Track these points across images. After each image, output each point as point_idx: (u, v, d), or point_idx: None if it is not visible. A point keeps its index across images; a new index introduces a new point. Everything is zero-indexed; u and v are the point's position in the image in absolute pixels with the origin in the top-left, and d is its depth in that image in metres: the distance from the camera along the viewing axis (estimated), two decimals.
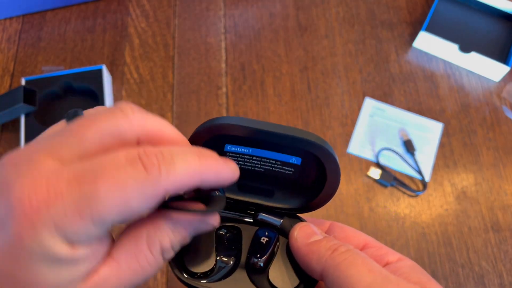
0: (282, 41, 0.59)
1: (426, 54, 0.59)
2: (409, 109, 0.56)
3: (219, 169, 0.19)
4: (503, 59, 0.58)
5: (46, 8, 0.60)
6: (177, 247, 0.19)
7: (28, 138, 0.50)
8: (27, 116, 0.51)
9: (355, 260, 0.19)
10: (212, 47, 0.59)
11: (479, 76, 0.58)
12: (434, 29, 0.59)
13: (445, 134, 0.54)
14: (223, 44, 0.59)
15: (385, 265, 0.21)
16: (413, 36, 0.60)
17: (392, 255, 0.22)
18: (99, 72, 0.54)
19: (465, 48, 0.56)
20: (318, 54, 0.59)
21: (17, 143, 0.52)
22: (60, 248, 0.15)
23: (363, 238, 0.23)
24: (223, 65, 0.58)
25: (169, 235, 0.18)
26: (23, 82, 0.53)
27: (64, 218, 0.15)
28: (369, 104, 0.56)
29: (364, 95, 0.56)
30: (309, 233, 0.22)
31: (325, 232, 0.23)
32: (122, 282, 0.17)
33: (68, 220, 0.15)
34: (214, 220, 0.20)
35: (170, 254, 0.19)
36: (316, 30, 0.60)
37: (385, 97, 0.56)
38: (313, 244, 0.21)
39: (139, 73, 0.57)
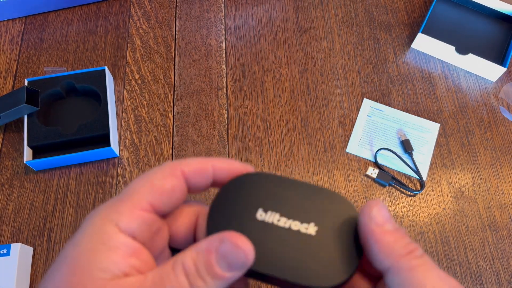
0: (281, 42, 0.60)
1: (424, 55, 0.60)
2: (407, 109, 0.56)
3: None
4: (500, 60, 0.58)
5: (49, 10, 0.61)
6: (206, 273, 0.19)
7: (31, 139, 0.51)
8: (29, 116, 0.52)
9: (430, 268, 0.19)
10: (213, 49, 0.60)
11: (476, 77, 0.59)
12: (432, 31, 0.60)
13: (443, 134, 0.55)
14: (223, 46, 0.60)
15: None
16: (411, 37, 0.61)
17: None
18: (101, 73, 0.54)
19: (461, 50, 0.57)
20: (317, 55, 0.59)
21: (19, 144, 0.53)
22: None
23: None
24: (224, 66, 0.58)
25: (192, 256, 0.19)
26: (25, 83, 0.54)
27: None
28: (368, 105, 0.56)
29: (363, 96, 0.57)
30: (386, 218, 0.21)
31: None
32: None
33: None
34: (246, 249, 0.19)
35: (199, 281, 0.19)
36: (315, 31, 0.61)
37: (383, 98, 0.57)
38: (389, 234, 0.20)
39: (141, 74, 0.58)
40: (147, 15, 0.62)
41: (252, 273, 0.21)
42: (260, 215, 0.21)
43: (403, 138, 0.54)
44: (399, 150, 0.54)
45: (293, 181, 0.22)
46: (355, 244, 0.21)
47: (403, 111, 0.56)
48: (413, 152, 0.53)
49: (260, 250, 0.20)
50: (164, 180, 0.21)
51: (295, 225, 0.21)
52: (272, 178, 0.22)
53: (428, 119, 0.56)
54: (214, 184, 0.23)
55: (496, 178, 0.53)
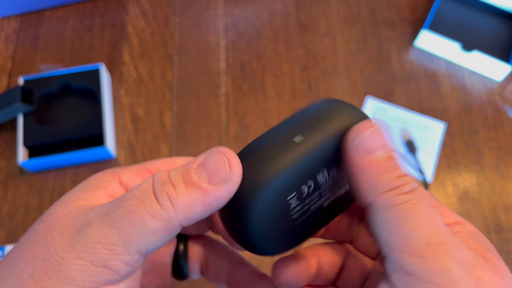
0: (282, 40, 0.59)
1: (428, 53, 0.58)
2: (410, 108, 0.55)
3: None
4: (506, 59, 0.57)
5: (44, 7, 0.60)
6: (179, 179, 0.16)
7: (26, 138, 0.50)
8: (25, 115, 0.51)
9: (418, 208, 0.16)
10: (212, 46, 0.58)
11: (481, 76, 0.57)
12: (436, 28, 0.58)
13: (447, 134, 0.54)
14: (222, 43, 0.59)
15: None
16: (414, 35, 0.59)
17: (450, 216, 0.18)
18: (97, 72, 0.53)
19: (467, 47, 0.56)
20: (318, 53, 0.58)
21: (14, 143, 0.52)
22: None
23: (397, 247, 0.19)
24: (223, 64, 0.57)
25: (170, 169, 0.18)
26: (21, 81, 0.53)
27: None
28: (370, 104, 0.55)
29: (365, 94, 0.56)
30: (376, 144, 0.17)
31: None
32: None
33: None
34: (233, 162, 0.17)
35: (168, 186, 0.16)
36: (316, 29, 0.60)
37: (386, 96, 0.56)
38: (375, 166, 0.17)
39: (138, 72, 0.57)
40: (144, 12, 0.60)
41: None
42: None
43: (407, 138, 0.53)
44: (402, 150, 0.53)
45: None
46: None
47: (406, 110, 0.55)
48: (417, 152, 0.52)
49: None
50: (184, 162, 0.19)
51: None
52: None
53: (432, 119, 0.55)
54: None
55: (501, 179, 0.52)
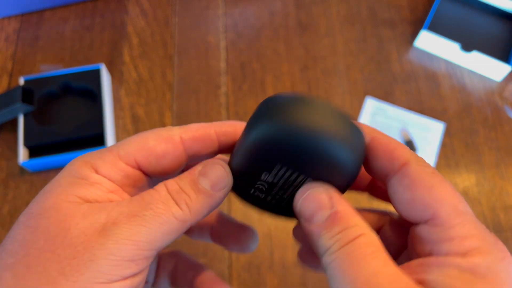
0: (282, 40, 0.59)
1: (428, 53, 0.59)
2: (410, 108, 0.55)
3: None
4: (505, 59, 0.57)
5: (45, 7, 0.60)
6: (190, 189, 0.19)
7: (26, 138, 0.50)
8: (25, 116, 0.51)
9: (339, 268, 0.16)
10: (212, 46, 0.59)
11: (481, 76, 0.57)
12: (436, 28, 0.58)
13: (447, 134, 0.54)
14: (222, 43, 0.59)
15: (446, 255, 0.16)
16: (414, 35, 0.59)
17: (459, 245, 0.16)
18: (97, 72, 0.53)
19: (466, 47, 0.56)
20: (318, 53, 0.58)
21: (15, 143, 0.52)
22: None
23: (435, 206, 0.17)
24: (223, 64, 0.57)
25: (175, 179, 0.20)
26: (21, 81, 0.53)
27: None
28: (370, 104, 0.55)
29: (365, 94, 0.56)
30: (312, 209, 0.18)
31: (393, 176, 0.19)
32: None
33: None
34: (223, 172, 0.20)
35: (183, 195, 0.19)
36: (316, 29, 0.60)
37: (386, 96, 0.56)
38: (313, 233, 0.18)
39: (138, 72, 0.57)
40: (144, 12, 0.60)
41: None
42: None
43: (406, 138, 0.53)
44: None
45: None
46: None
47: (406, 110, 0.55)
48: (417, 152, 0.52)
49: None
50: (157, 143, 0.20)
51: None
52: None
53: (431, 119, 0.55)
54: (221, 150, 0.22)
55: (501, 179, 0.52)
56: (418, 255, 0.18)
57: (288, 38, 0.59)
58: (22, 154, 0.49)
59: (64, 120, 0.53)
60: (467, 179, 0.52)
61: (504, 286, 0.15)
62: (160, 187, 0.19)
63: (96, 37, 0.58)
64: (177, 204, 0.18)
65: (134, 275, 0.17)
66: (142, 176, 0.20)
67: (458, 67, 0.58)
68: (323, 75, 0.57)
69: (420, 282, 0.16)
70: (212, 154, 0.22)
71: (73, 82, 0.53)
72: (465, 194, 0.51)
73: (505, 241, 0.49)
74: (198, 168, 0.20)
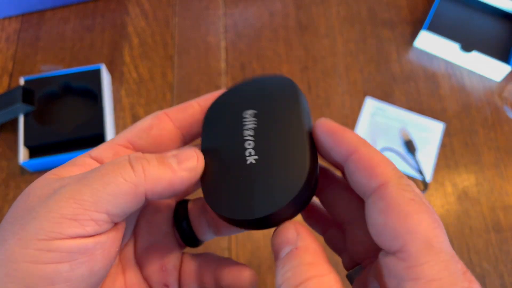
0: (282, 40, 0.59)
1: (427, 53, 0.59)
2: (410, 109, 0.55)
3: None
4: (505, 59, 0.57)
5: (45, 7, 0.60)
6: (154, 158, 0.19)
7: (27, 138, 0.50)
8: (25, 116, 0.51)
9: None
10: (212, 47, 0.59)
11: (481, 76, 0.58)
12: (435, 29, 0.59)
13: (446, 134, 0.54)
14: (222, 44, 0.59)
15: None
16: (414, 35, 0.60)
17: (428, 285, 0.15)
18: (98, 72, 0.53)
19: (466, 47, 0.56)
20: (318, 53, 0.58)
21: (15, 143, 0.52)
22: None
23: (404, 238, 0.16)
24: (223, 65, 0.58)
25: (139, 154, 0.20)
26: (22, 81, 0.53)
27: None
28: (370, 104, 0.55)
29: (365, 94, 0.56)
30: (279, 244, 0.18)
31: (370, 195, 0.18)
32: None
33: None
34: (198, 156, 0.21)
35: (144, 162, 0.19)
36: (316, 29, 0.60)
37: (386, 96, 0.56)
38: (278, 267, 0.17)
39: (138, 73, 0.57)
40: (144, 12, 0.61)
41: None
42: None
43: (406, 138, 0.53)
44: (402, 150, 0.53)
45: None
46: (309, 145, 0.19)
47: (406, 110, 0.55)
48: (416, 152, 0.52)
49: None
50: (144, 120, 0.22)
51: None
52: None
53: (431, 119, 0.55)
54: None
55: (500, 179, 0.52)
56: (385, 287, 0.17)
57: (288, 38, 0.59)
58: (23, 154, 0.50)
59: (64, 120, 0.53)
60: (466, 179, 0.52)
61: None
62: (123, 156, 0.19)
63: (96, 38, 0.59)
64: (131, 167, 0.18)
65: (82, 236, 0.17)
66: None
67: (458, 67, 0.58)
68: (323, 76, 0.57)
69: None
70: (200, 125, 0.22)
71: (74, 82, 0.53)
72: (465, 194, 0.51)
73: (505, 241, 0.49)
74: (173, 152, 0.20)
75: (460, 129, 0.55)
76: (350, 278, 0.22)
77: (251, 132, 0.20)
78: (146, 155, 0.19)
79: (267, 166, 0.19)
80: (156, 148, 0.21)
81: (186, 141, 0.23)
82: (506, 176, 0.52)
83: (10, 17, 0.60)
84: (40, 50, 0.58)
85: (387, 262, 0.16)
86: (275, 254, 0.18)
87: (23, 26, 0.59)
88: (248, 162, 0.19)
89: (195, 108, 0.23)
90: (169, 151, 0.20)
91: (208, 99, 0.23)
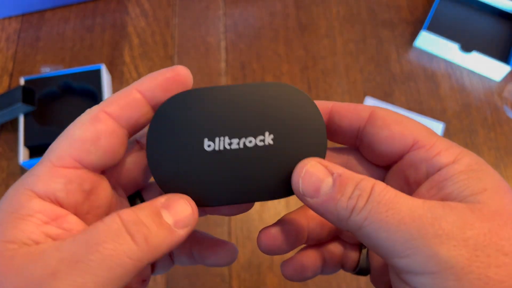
0: (282, 40, 0.59)
1: (427, 53, 0.59)
2: (410, 108, 0.55)
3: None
4: (505, 59, 0.57)
5: (45, 8, 0.60)
6: (152, 221, 0.17)
7: (27, 138, 0.50)
8: (26, 116, 0.51)
9: (378, 217, 0.16)
10: (212, 47, 0.59)
11: (480, 76, 0.58)
12: (435, 29, 0.59)
13: (446, 134, 0.54)
14: (223, 44, 0.59)
15: (438, 170, 0.18)
16: (414, 35, 0.60)
17: (446, 155, 0.18)
18: (98, 72, 0.53)
19: (466, 48, 0.56)
20: (318, 53, 0.58)
21: (15, 143, 0.52)
22: None
23: (412, 134, 0.19)
24: (223, 65, 0.58)
25: (132, 208, 0.18)
26: (22, 81, 0.53)
27: None
28: (370, 104, 0.55)
29: (365, 94, 0.56)
30: (315, 183, 0.18)
31: (365, 125, 0.20)
32: None
33: None
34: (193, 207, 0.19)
35: (142, 227, 0.17)
36: (316, 29, 0.60)
37: (386, 96, 0.56)
38: (327, 203, 0.17)
39: (139, 73, 0.57)
40: (145, 12, 0.61)
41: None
42: (208, 145, 0.19)
43: None
44: None
45: (230, 88, 0.20)
46: (321, 136, 0.20)
47: (406, 110, 0.55)
48: None
49: (217, 182, 0.19)
50: (84, 128, 0.18)
51: (250, 142, 0.19)
52: (208, 93, 0.21)
53: (431, 119, 0.55)
54: (155, 109, 0.20)
55: None
56: (418, 183, 0.19)
57: (288, 38, 0.59)
58: (23, 154, 0.50)
59: (65, 120, 0.52)
60: None
61: (489, 168, 0.18)
62: (112, 218, 0.16)
63: (96, 38, 0.59)
64: (132, 238, 0.15)
65: None
66: (90, 174, 0.18)
67: (458, 67, 0.58)
68: (323, 76, 0.57)
69: (443, 200, 0.17)
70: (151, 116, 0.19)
71: (74, 82, 0.53)
72: None
73: None
74: (160, 200, 0.17)
75: (460, 129, 0.55)
76: (361, 270, 0.25)
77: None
78: (141, 217, 0.16)
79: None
80: (108, 161, 0.18)
81: (130, 137, 0.20)
82: (506, 176, 0.52)
83: (10, 17, 0.60)
84: (40, 50, 0.58)
85: (410, 160, 0.19)
86: (313, 194, 0.18)
87: (23, 26, 0.59)
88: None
89: (137, 98, 0.19)
90: (157, 200, 0.18)
91: (146, 83, 0.19)
